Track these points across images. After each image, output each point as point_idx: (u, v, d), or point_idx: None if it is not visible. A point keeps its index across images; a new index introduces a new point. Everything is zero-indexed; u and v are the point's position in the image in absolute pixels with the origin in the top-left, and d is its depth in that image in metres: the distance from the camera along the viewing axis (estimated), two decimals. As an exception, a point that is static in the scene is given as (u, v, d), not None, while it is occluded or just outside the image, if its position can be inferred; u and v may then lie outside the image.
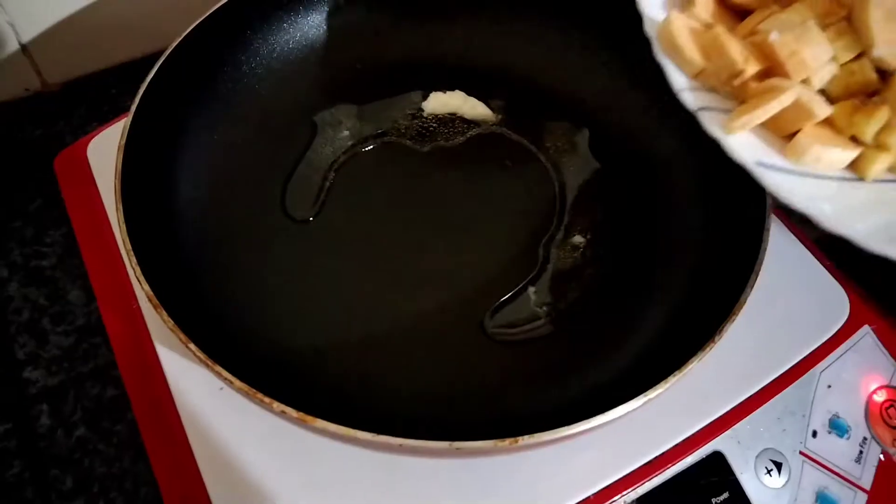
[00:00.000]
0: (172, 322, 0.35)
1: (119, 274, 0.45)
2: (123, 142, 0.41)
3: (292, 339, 0.41)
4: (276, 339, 0.41)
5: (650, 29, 0.36)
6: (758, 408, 0.41)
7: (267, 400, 0.32)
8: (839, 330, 0.44)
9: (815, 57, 0.32)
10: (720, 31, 0.33)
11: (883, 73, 0.33)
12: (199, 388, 0.40)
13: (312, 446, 0.39)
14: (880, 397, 0.43)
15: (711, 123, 0.33)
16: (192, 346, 0.34)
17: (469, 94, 0.51)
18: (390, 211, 0.47)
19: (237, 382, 0.33)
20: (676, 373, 0.33)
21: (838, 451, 0.42)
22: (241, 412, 0.39)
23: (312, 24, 0.52)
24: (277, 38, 0.51)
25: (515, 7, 0.53)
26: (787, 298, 0.44)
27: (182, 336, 0.34)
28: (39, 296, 0.53)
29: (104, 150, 0.49)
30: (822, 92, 0.33)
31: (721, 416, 0.40)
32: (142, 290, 0.36)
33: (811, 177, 0.32)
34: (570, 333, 0.42)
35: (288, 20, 0.51)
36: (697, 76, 0.34)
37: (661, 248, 0.45)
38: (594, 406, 0.33)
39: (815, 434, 0.42)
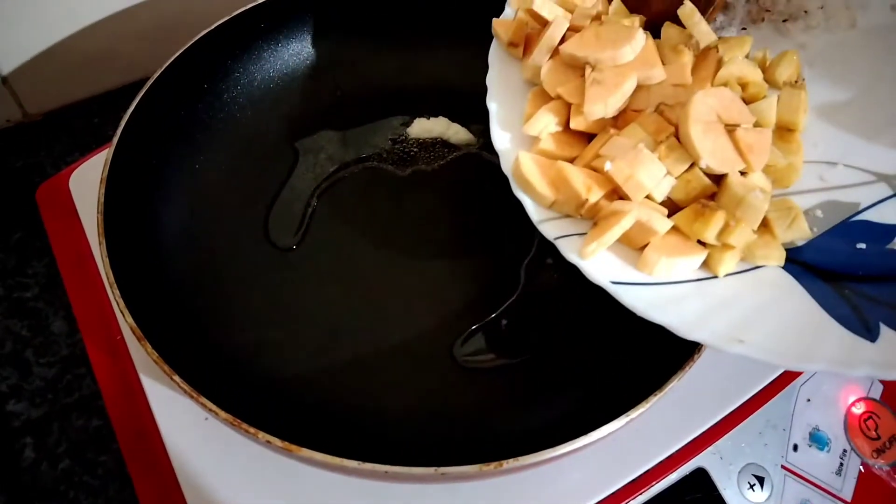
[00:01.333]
0: (157, 354, 0.35)
1: (103, 305, 0.45)
2: (105, 174, 0.41)
3: (277, 368, 0.42)
4: (260, 368, 0.41)
5: (506, 167, 0.38)
6: (739, 423, 0.42)
7: (252, 430, 0.32)
8: (817, 344, 0.44)
9: (650, 176, 0.34)
10: (562, 164, 0.35)
11: (717, 177, 0.35)
12: (184, 419, 0.40)
13: (299, 474, 0.39)
14: (859, 409, 0.44)
15: (568, 250, 0.34)
16: (176, 377, 0.34)
17: (448, 117, 0.52)
18: (372, 236, 0.47)
19: (222, 413, 0.33)
20: (657, 392, 0.34)
21: (819, 463, 0.42)
22: (226, 442, 0.39)
23: (292, 53, 0.53)
24: (258, 66, 0.52)
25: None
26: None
27: (166, 368, 0.34)
28: (22, 327, 0.52)
29: (86, 181, 0.49)
30: (669, 200, 0.35)
31: (703, 433, 0.41)
32: (125, 323, 0.36)
33: (668, 284, 0.34)
34: (552, 354, 0.42)
35: (268, 49, 0.52)
36: (552, 206, 0.36)
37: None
38: (577, 428, 0.33)
39: (795, 448, 0.42)
